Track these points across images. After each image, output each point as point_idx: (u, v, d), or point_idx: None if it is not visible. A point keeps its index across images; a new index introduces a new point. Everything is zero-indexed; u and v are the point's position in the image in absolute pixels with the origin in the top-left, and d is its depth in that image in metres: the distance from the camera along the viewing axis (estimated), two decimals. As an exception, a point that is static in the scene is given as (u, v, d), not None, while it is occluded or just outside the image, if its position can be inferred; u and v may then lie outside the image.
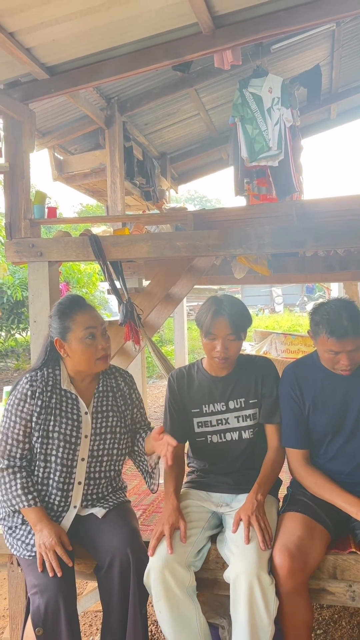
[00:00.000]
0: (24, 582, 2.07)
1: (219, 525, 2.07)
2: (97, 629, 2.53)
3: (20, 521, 1.95)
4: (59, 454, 1.94)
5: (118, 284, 3.34)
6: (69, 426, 1.96)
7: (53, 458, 1.94)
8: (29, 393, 1.94)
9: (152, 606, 1.82)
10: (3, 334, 10.51)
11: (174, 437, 2.16)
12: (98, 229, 4.38)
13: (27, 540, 1.89)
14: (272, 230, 2.70)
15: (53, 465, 1.94)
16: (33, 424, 1.94)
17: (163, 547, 1.82)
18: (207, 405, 2.14)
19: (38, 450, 1.94)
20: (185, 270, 3.94)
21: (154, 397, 8.06)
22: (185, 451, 2.30)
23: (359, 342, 1.89)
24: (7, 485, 1.92)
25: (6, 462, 1.94)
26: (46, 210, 3.26)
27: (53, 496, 1.95)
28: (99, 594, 1.91)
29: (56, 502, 1.95)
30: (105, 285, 6.05)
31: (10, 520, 1.97)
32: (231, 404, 2.12)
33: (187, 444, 2.27)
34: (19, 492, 1.90)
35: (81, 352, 1.94)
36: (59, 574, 1.77)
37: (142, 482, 2.20)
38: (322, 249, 3.72)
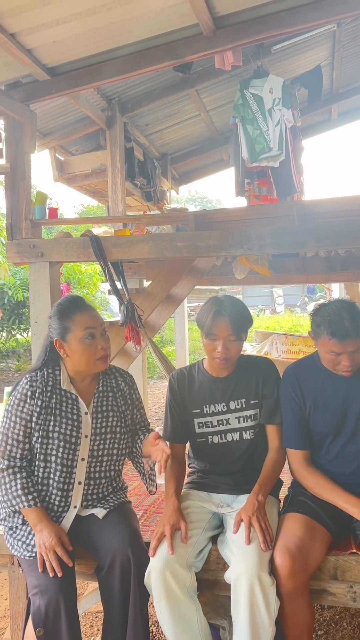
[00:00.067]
0: (25, 582, 2.07)
1: (220, 525, 2.07)
2: (98, 630, 2.53)
3: (20, 522, 1.96)
4: (59, 454, 1.94)
5: (119, 285, 3.35)
6: (69, 426, 1.96)
7: (53, 458, 1.94)
8: (29, 393, 1.95)
9: (153, 607, 1.82)
10: (4, 334, 10.52)
11: (174, 438, 2.18)
12: (99, 230, 4.38)
13: (27, 541, 1.89)
14: (273, 230, 2.70)
15: (53, 465, 1.94)
16: (33, 424, 1.94)
17: (164, 547, 1.82)
18: (207, 406, 2.14)
19: (38, 450, 1.94)
20: (186, 270, 3.94)
21: (155, 397, 8.06)
22: (186, 452, 2.30)
23: (360, 343, 1.89)
24: (7, 486, 1.92)
25: (6, 462, 1.94)
26: (47, 211, 3.27)
27: (53, 496, 1.95)
28: (100, 595, 1.91)
29: (56, 502, 1.95)
30: (106, 286, 6.06)
31: (11, 521, 1.97)
32: (232, 405, 2.12)
33: (187, 445, 2.27)
34: (19, 492, 1.90)
35: (81, 352, 1.95)
36: (59, 574, 1.77)
37: (143, 483, 2.20)
38: (323, 249, 3.72)
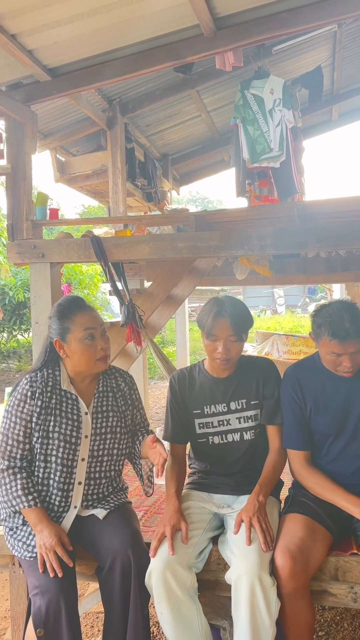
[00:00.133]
0: (26, 583, 2.07)
1: (221, 526, 2.07)
2: (99, 630, 2.53)
3: (21, 522, 1.96)
4: (59, 454, 1.94)
5: (120, 285, 3.35)
6: (69, 426, 1.96)
7: (53, 458, 1.94)
8: (29, 394, 1.95)
9: (154, 607, 1.82)
10: (5, 335, 10.53)
11: (175, 438, 2.18)
12: (100, 231, 4.39)
13: (28, 541, 1.90)
14: (274, 231, 2.70)
15: (53, 465, 1.95)
16: (33, 424, 1.94)
17: (164, 548, 1.82)
18: (208, 407, 2.14)
19: (38, 450, 1.94)
20: (187, 271, 3.95)
21: (156, 398, 8.06)
22: (187, 452, 2.30)
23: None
24: (8, 486, 1.92)
25: (6, 462, 1.94)
26: (48, 211, 3.27)
27: (53, 496, 1.95)
28: (101, 595, 1.91)
29: (56, 503, 1.95)
30: (107, 287, 6.06)
31: (11, 521, 1.97)
32: (232, 405, 2.12)
33: (188, 445, 2.27)
34: (19, 492, 1.90)
35: (80, 352, 1.95)
36: (59, 575, 1.77)
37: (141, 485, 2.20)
38: (323, 250, 3.72)
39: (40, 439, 1.94)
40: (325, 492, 1.96)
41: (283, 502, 2.13)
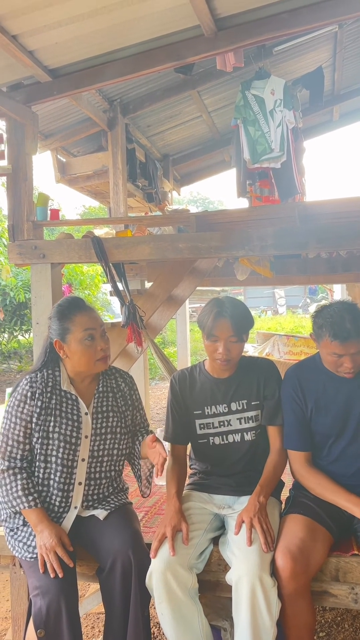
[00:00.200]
0: (26, 583, 2.07)
1: (221, 527, 2.07)
2: (100, 631, 2.53)
3: (21, 523, 1.96)
4: (59, 455, 1.94)
5: (120, 286, 3.35)
6: (69, 427, 1.96)
7: (53, 459, 1.94)
8: (29, 394, 1.95)
9: (154, 608, 1.82)
10: (6, 335, 10.54)
11: (176, 439, 2.18)
12: (100, 231, 4.38)
13: (28, 542, 1.90)
14: (275, 232, 2.70)
15: (53, 465, 1.95)
16: (33, 424, 1.94)
17: (165, 549, 1.82)
18: (209, 407, 2.14)
19: (38, 451, 1.94)
20: (188, 272, 3.95)
21: (156, 398, 8.06)
22: (188, 453, 2.30)
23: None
24: (8, 487, 1.92)
25: (7, 463, 1.94)
26: (49, 212, 3.27)
27: (54, 497, 1.95)
28: (101, 596, 1.91)
29: (57, 503, 1.95)
30: (108, 287, 6.06)
31: (12, 522, 1.97)
32: (233, 406, 2.12)
33: (189, 446, 2.27)
34: (20, 493, 1.90)
35: (80, 353, 1.95)
36: (60, 575, 1.77)
37: (138, 486, 2.20)
38: (324, 250, 3.72)
39: (40, 440, 1.94)
40: (326, 493, 1.96)
41: (284, 502, 2.13)
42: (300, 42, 4.60)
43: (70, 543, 1.88)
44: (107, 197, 5.40)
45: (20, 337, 10.83)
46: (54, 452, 1.94)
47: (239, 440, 2.12)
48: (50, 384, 1.99)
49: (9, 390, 3.37)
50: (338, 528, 1.93)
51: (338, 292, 10.87)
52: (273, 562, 1.78)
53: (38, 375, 1.99)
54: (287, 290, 25.44)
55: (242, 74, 4.56)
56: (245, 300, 23.77)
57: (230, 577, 1.80)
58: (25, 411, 1.94)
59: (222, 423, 2.13)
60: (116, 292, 3.33)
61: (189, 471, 2.28)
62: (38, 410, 1.94)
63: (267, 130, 4.29)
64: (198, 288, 4.99)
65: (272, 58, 4.72)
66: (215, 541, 1.99)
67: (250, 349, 7.72)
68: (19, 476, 1.92)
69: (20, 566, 2.11)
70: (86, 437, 2.00)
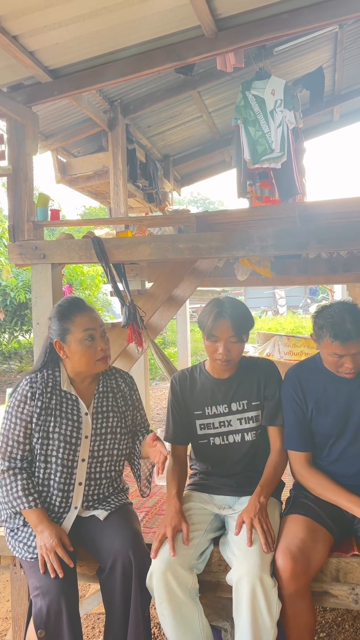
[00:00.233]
0: (27, 584, 2.07)
1: (222, 527, 2.07)
2: (100, 632, 2.53)
3: (21, 523, 1.96)
4: (59, 455, 1.94)
5: (121, 286, 3.35)
6: (69, 427, 1.96)
7: (53, 459, 1.94)
8: (29, 395, 1.95)
9: (155, 608, 1.82)
10: (6, 336, 10.53)
11: (176, 439, 2.18)
12: (101, 231, 4.39)
13: (28, 542, 1.90)
14: (275, 232, 2.70)
15: (53, 466, 1.95)
16: (33, 425, 1.94)
17: (165, 549, 1.82)
18: (209, 408, 2.14)
19: (38, 451, 1.94)
20: (188, 272, 3.95)
21: (157, 399, 8.06)
22: (188, 453, 2.30)
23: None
24: (8, 487, 1.92)
25: (7, 463, 1.94)
26: (49, 212, 3.27)
27: (54, 497, 1.95)
28: (102, 597, 1.91)
29: (57, 503, 1.95)
30: (108, 288, 6.06)
31: (12, 522, 1.97)
32: (234, 406, 2.12)
33: (189, 446, 2.27)
34: (20, 493, 1.90)
35: (80, 353, 1.95)
36: (60, 575, 1.77)
37: (137, 486, 2.20)
38: (325, 250, 3.73)
39: (40, 440, 1.94)
40: (326, 493, 1.96)
41: (284, 503, 2.13)
42: (300, 42, 4.60)
43: (70, 543, 1.88)
44: (108, 197, 5.40)
45: (20, 338, 10.83)
46: (54, 453, 1.94)
47: (239, 440, 2.12)
48: (50, 384, 1.99)
49: (9, 390, 3.37)
50: (338, 528, 1.92)
51: (338, 292, 10.87)
52: (273, 563, 1.78)
53: (38, 376, 1.99)
54: (288, 290, 25.44)
55: (242, 75, 4.57)
56: (246, 300, 23.77)
57: (231, 578, 1.80)
58: (25, 411, 1.94)
59: (222, 423, 2.13)
60: (117, 292, 3.33)
61: (190, 471, 2.28)
62: (38, 410, 1.94)
63: (268, 130, 4.29)
64: (198, 288, 4.99)
65: (272, 58, 4.72)
66: (215, 541, 1.99)
67: (251, 350, 7.71)
68: (19, 476, 1.92)
69: (21, 566, 2.11)
70: (86, 437, 2.00)
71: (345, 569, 1.88)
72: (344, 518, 1.96)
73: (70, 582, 1.80)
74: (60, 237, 3.24)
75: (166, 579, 1.77)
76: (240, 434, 2.12)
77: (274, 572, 1.76)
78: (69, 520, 1.95)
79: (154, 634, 2.39)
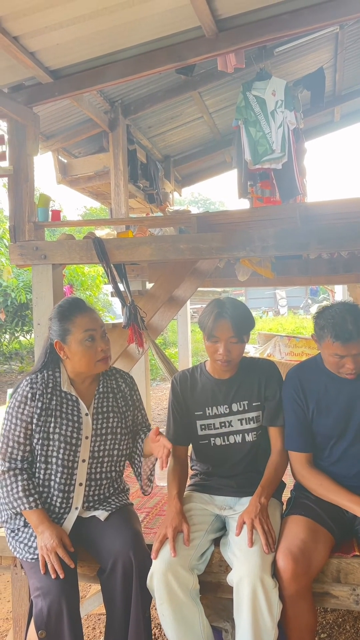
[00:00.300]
0: (27, 584, 2.07)
1: (222, 528, 2.06)
2: (101, 632, 2.52)
3: (22, 524, 1.96)
4: (60, 456, 1.94)
5: (122, 287, 3.35)
6: (69, 427, 1.96)
7: (54, 460, 1.94)
8: (29, 395, 1.95)
9: (156, 609, 1.82)
10: (7, 336, 10.54)
11: (177, 440, 2.17)
12: (102, 232, 4.39)
13: (29, 543, 1.90)
14: (276, 232, 2.70)
15: (54, 466, 1.95)
16: (34, 425, 1.94)
17: (166, 550, 1.82)
18: (210, 408, 2.14)
19: (39, 452, 1.94)
20: (189, 272, 3.95)
21: (158, 399, 8.06)
22: (189, 454, 2.30)
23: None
24: (9, 488, 1.92)
25: (7, 464, 1.94)
26: (50, 213, 3.27)
27: (54, 498, 1.95)
28: (102, 597, 1.91)
29: (57, 504, 1.95)
30: (109, 288, 6.06)
31: (13, 523, 1.97)
32: (234, 407, 2.12)
33: (190, 447, 2.27)
34: (20, 494, 1.90)
35: (81, 354, 1.95)
36: (61, 576, 1.77)
37: (139, 485, 2.20)
38: (325, 251, 3.72)
39: (40, 441, 1.94)
40: (327, 493, 1.96)
41: (285, 503, 2.13)
42: (301, 43, 4.60)
43: (71, 544, 1.88)
44: (109, 198, 5.40)
45: (21, 338, 10.83)
46: (55, 453, 1.94)
47: (240, 441, 2.12)
48: (50, 384, 1.99)
49: (10, 391, 3.38)
50: (339, 529, 1.92)
51: (339, 293, 10.86)
52: (274, 564, 1.78)
53: (38, 376, 1.99)
54: (289, 291, 25.43)
55: (243, 75, 4.57)
56: (247, 301, 23.76)
57: (232, 578, 1.80)
58: (25, 412, 1.94)
59: (223, 424, 2.13)
60: (117, 293, 3.33)
61: (190, 472, 2.27)
62: (38, 411, 1.94)
63: (268, 131, 4.29)
64: (199, 289, 4.99)
65: (273, 59, 4.72)
66: (216, 542, 1.99)
67: (252, 350, 7.71)
68: (19, 477, 1.92)
69: (21, 567, 2.11)
70: (86, 437, 2.00)
71: (346, 570, 1.88)
72: (344, 519, 1.95)
73: (70, 583, 1.80)
74: (61, 237, 3.24)
75: (167, 580, 1.76)
76: (241, 435, 2.12)
77: (275, 573, 1.76)
78: (69, 521, 1.95)
79: (155, 634, 2.39)
